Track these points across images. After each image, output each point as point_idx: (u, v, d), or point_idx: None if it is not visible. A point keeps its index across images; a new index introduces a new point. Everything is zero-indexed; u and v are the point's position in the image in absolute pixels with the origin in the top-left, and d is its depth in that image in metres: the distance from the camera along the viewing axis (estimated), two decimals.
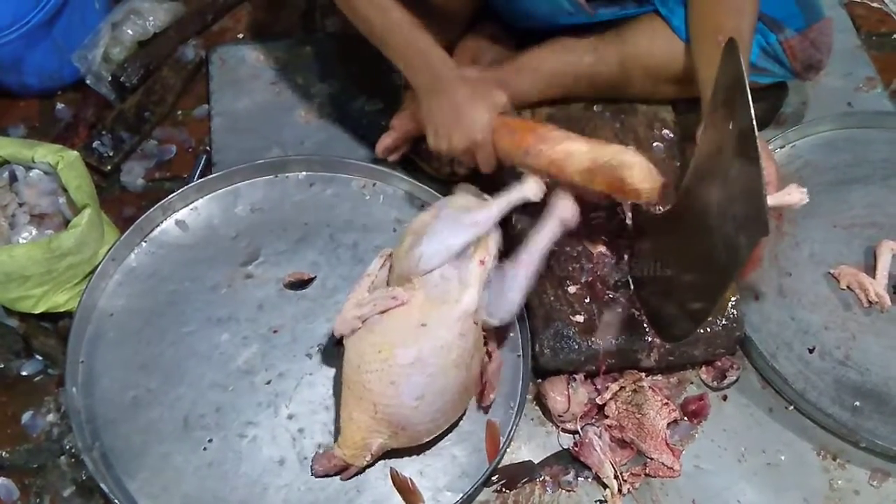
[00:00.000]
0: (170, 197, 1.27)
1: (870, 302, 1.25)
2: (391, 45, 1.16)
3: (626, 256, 1.19)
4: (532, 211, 1.10)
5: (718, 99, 0.88)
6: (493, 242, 1.09)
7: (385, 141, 1.33)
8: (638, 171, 1.01)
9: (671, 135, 1.30)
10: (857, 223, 1.32)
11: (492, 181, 1.18)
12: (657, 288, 1.14)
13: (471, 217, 1.08)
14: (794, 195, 1.03)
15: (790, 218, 1.32)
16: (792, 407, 1.19)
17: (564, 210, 1.09)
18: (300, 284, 1.23)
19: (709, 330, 1.14)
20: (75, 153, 1.20)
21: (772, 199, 1.04)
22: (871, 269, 1.27)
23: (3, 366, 1.21)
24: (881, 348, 1.22)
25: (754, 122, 0.79)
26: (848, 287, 1.26)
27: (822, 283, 1.27)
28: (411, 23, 1.14)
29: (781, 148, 1.40)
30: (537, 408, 1.18)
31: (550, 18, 1.24)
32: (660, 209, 1.08)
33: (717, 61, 0.95)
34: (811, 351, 1.21)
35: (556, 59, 1.27)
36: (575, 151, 1.05)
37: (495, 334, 1.16)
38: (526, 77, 1.27)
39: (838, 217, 1.33)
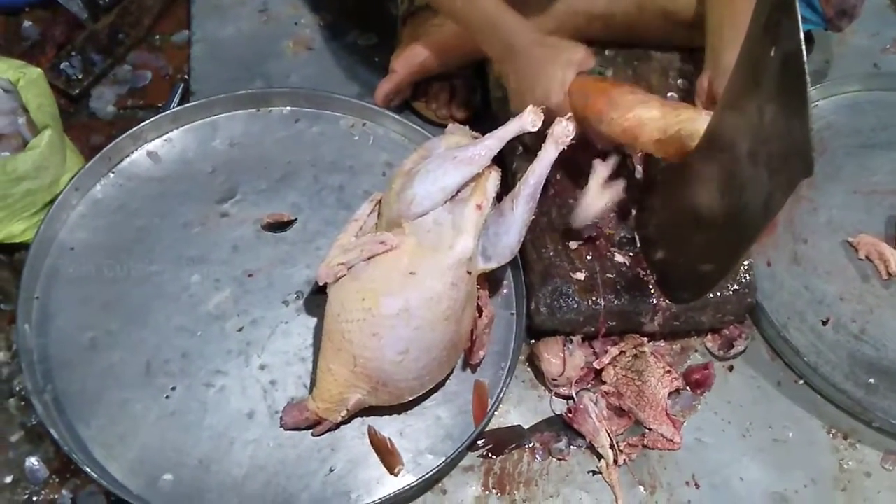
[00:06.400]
0: (142, 125, 1.18)
1: (889, 274, 1.18)
2: (461, 17, 1.08)
3: (633, 211, 1.11)
4: (531, 157, 1.01)
5: (758, 24, 0.79)
6: (492, 185, 1.01)
7: (385, 87, 1.24)
8: None
9: (687, 84, 1.21)
10: (878, 190, 1.25)
11: (488, 125, 1.08)
12: (667, 246, 1.06)
13: (466, 153, 0.99)
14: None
15: (808, 181, 1.23)
16: (802, 381, 1.12)
17: (561, 130, 1.00)
18: (279, 226, 1.14)
19: (718, 294, 1.07)
20: (38, 70, 1.12)
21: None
22: (892, 240, 1.20)
23: None
24: None
25: (803, 45, 0.70)
26: (867, 257, 1.20)
27: (839, 252, 1.20)
28: None
29: None
30: (529, 370, 1.11)
31: None
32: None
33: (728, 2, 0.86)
34: (825, 323, 1.14)
35: None
36: (647, 120, 0.95)
37: (488, 287, 1.08)
38: (534, 15, 1.17)
39: (859, 183, 1.26)
